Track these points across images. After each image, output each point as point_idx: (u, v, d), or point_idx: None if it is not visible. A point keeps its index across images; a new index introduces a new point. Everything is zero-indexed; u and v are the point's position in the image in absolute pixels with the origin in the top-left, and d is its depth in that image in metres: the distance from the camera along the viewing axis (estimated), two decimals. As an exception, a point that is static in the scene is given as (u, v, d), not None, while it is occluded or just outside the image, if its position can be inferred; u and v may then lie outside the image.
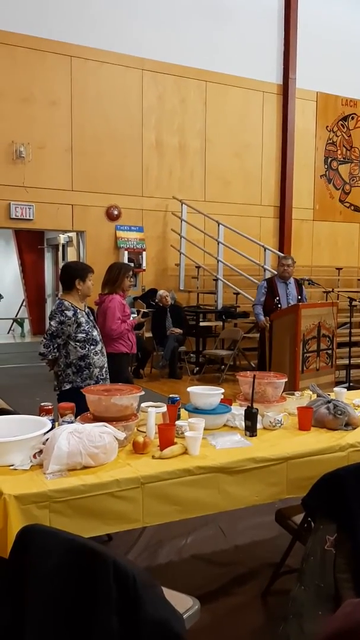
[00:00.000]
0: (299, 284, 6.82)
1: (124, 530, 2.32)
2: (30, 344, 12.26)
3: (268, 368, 6.09)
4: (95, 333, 3.78)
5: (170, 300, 8.37)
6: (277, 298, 6.58)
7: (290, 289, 6.65)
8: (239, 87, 10.26)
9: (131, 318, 4.90)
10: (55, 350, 3.66)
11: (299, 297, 6.70)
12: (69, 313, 3.64)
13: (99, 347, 3.78)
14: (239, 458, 2.45)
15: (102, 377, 3.79)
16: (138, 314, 5.25)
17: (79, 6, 8.82)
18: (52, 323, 3.63)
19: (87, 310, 3.86)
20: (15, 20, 8.38)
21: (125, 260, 9.17)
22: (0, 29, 8.32)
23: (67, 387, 3.67)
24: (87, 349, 3.69)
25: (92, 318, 3.88)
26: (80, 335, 3.67)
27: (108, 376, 3.87)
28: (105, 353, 3.90)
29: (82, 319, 3.70)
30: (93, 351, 3.72)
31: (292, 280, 6.72)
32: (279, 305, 6.53)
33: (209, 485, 2.36)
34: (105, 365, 3.86)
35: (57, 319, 3.62)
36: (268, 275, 8.16)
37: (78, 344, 3.66)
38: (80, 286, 3.75)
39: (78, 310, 3.70)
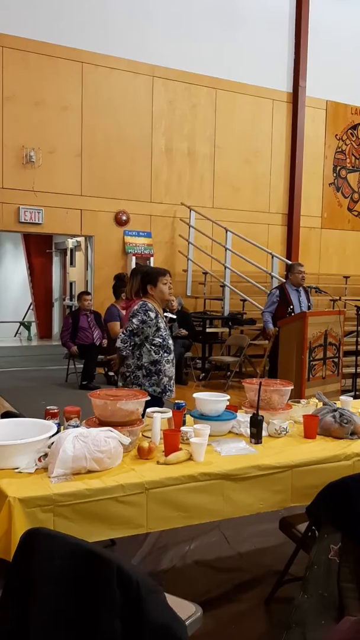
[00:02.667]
0: (306, 291, 6.78)
1: (127, 535, 2.32)
2: (37, 347, 12.29)
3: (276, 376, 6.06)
4: (170, 342, 3.76)
5: (177, 306, 8.37)
6: (291, 307, 6.42)
7: (302, 297, 6.59)
8: (249, 94, 10.30)
9: None
10: (131, 347, 3.65)
11: (309, 304, 6.66)
12: (152, 314, 3.64)
13: (171, 356, 3.74)
14: (243, 465, 2.44)
15: (170, 388, 3.73)
16: (165, 318, 5.11)
17: (90, 13, 8.89)
18: (134, 320, 3.62)
19: (170, 317, 3.88)
20: (28, 26, 8.45)
21: (133, 266, 9.20)
22: (13, 35, 8.39)
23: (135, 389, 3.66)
24: (160, 354, 3.66)
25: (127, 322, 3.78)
26: (157, 340, 3.66)
27: (174, 388, 3.80)
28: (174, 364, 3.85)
29: (162, 324, 3.70)
30: (165, 359, 3.69)
31: (301, 287, 6.68)
32: (293, 314, 6.36)
33: (214, 491, 2.36)
34: (173, 376, 3.80)
35: (139, 318, 3.61)
36: (275, 282, 8.15)
37: (153, 347, 3.65)
38: (152, 291, 3.73)
39: (158, 315, 3.71)
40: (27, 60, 8.53)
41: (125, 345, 3.64)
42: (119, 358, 3.78)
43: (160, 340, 3.66)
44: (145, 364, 3.65)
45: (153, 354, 3.64)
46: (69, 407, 2.68)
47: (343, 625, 1.41)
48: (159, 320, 3.68)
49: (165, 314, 5.00)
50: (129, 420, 2.58)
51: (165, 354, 3.69)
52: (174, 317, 5.29)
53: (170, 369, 3.73)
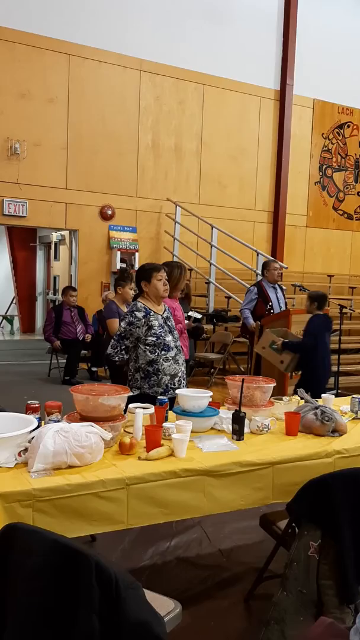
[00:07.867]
0: (281, 288, 6.83)
1: (108, 531, 2.30)
2: (19, 341, 12.22)
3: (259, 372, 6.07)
4: (169, 338, 3.56)
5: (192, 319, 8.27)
6: (270, 304, 6.50)
7: (279, 294, 6.65)
8: (236, 91, 10.30)
9: None
10: (123, 352, 3.54)
11: (285, 301, 6.73)
12: (139, 314, 3.49)
13: (171, 353, 3.56)
14: (225, 461, 2.44)
15: (173, 386, 3.55)
16: (189, 319, 4.75)
17: (79, 5, 8.82)
18: (122, 324, 3.53)
19: (166, 314, 3.66)
20: (15, 17, 8.37)
21: (118, 261, 9.17)
22: (0, 25, 8.30)
23: (135, 392, 3.49)
24: (156, 353, 3.50)
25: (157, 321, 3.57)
26: (150, 339, 3.49)
27: (183, 386, 3.62)
28: (182, 361, 3.67)
29: (155, 322, 3.52)
30: (163, 357, 3.52)
31: (276, 284, 6.72)
32: (272, 311, 6.45)
33: (195, 488, 2.35)
34: (180, 374, 3.63)
35: (126, 320, 3.52)
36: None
37: (148, 347, 3.49)
38: (146, 288, 3.59)
39: (151, 313, 3.53)
40: (13, 51, 8.44)
41: (116, 350, 3.53)
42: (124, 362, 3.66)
43: (154, 339, 3.50)
44: (143, 366, 3.51)
45: (148, 354, 3.49)
46: (50, 402, 2.66)
47: (317, 627, 1.40)
48: (151, 319, 3.51)
49: (189, 313, 4.77)
50: (111, 416, 2.57)
51: (163, 352, 3.52)
52: (199, 316, 4.92)
53: (171, 367, 3.55)
